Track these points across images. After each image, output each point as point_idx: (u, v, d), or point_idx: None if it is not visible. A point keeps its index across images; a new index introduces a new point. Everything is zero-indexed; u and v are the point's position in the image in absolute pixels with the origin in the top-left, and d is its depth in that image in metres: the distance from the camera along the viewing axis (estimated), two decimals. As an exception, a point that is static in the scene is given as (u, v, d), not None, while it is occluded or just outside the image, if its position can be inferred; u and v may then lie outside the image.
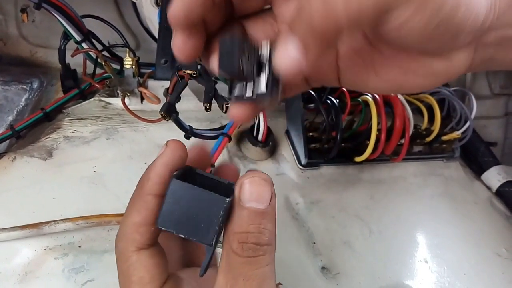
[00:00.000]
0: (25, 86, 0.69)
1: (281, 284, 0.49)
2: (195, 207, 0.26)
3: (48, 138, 0.59)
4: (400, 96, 0.65)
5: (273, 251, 0.26)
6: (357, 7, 0.21)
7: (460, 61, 0.26)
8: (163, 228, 0.26)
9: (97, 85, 0.65)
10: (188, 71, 0.54)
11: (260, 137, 0.65)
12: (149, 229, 0.27)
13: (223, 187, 0.28)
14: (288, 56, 0.23)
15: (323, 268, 0.55)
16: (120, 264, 0.28)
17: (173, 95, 0.54)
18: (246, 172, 0.27)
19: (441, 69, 0.27)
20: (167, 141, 0.29)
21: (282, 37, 0.23)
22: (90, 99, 0.66)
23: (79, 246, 0.50)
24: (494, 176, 0.76)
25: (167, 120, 0.55)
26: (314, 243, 0.58)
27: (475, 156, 0.81)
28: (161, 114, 0.53)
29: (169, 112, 0.53)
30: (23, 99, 0.68)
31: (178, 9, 0.24)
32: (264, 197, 0.25)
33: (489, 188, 0.76)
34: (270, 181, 0.26)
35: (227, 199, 0.26)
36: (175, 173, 0.28)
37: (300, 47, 0.23)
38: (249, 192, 0.25)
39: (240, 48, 0.25)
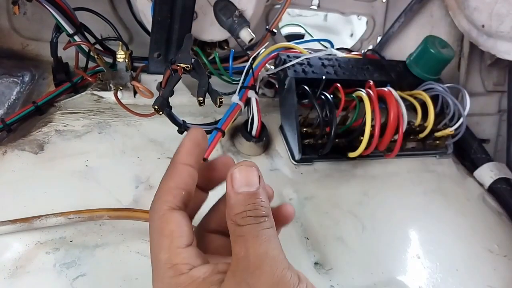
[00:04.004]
0: (16, 79, 0.69)
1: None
2: None
3: (39, 131, 0.58)
4: (394, 92, 0.65)
5: (272, 221, 0.29)
6: None
7: None
8: None
9: (90, 79, 0.65)
10: (182, 65, 0.53)
11: (254, 132, 0.64)
12: (180, 192, 0.31)
13: None
14: None
15: (316, 263, 0.55)
16: (152, 223, 0.31)
17: (167, 89, 0.54)
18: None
19: None
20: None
21: None
22: (82, 93, 0.65)
23: (71, 241, 0.49)
24: (487, 173, 0.77)
25: (160, 114, 0.54)
26: (307, 238, 0.58)
27: (468, 153, 0.81)
28: (154, 108, 0.52)
29: (163, 106, 0.53)
30: (14, 92, 0.67)
31: None
32: (253, 180, 0.30)
33: (481, 184, 0.77)
34: (255, 166, 0.30)
35: None
36: None
37: None
38: (239, 179, 0.29)
39: None
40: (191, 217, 0.36)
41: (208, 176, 0.36)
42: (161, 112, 0.53)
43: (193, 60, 0.55)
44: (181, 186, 0.31)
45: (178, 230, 0.30)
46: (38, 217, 0.48)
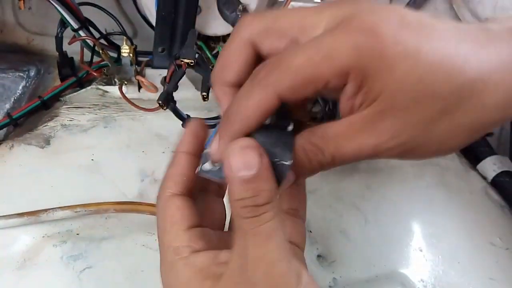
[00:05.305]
0: (22, 74, 0.69)
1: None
2: None
3: (45, 126, 0.59)
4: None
5: (274, 206, 0.27)
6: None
7: None
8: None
9: (95, 73, 0.65)
10: (186, 60, 0.54)
11: (257, 126, 0.65)
12: (181, 179, 0.32)
13: None
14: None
15: (319, 256, 0.56)
16: (157, 210, 0.32)
17: (171, 84, 0.54)
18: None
19: None
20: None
21: None
22: (88, 87, 0.66)
23: (77, 234, 0.50)
24: (490, 166, 0.77)
25: (165, 109, 0.55)
26: (310, 231, 0.58)
27: (471, 146, 0.81)
28: (159, 103, 0.53)
29: (167, 101, 0.53)
30: (20, 87, 0.68)
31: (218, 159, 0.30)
32: (251, 163, 0.26)
33: (484, 178, 0.76)
34: (254, 145, 0.27)
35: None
36: None
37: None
38: (236, 163, 0.26)
39: None
40: None
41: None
42: (165, 107, 0.54)
43: (197, 55, 0.55)
44: (181, 173, 0.32)
45: (178, 214, 0.31)
46: (45, 210, 0.48)
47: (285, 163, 0.28)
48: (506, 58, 0.26)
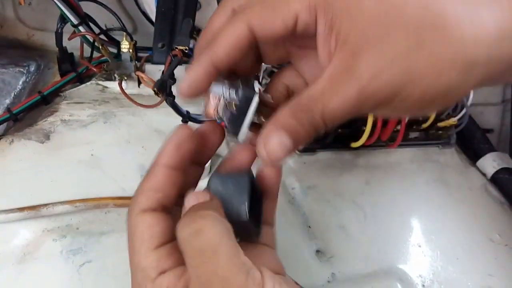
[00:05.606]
0: (22, 69, 0.69)
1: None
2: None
3: (45, 121, 0.59)
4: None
5: (217, 225, 0.27)
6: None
7: None
8: None
9: (94, 69, 0.65)
10: (180, 47, 0.54)
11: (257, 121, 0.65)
12: (154, 194, 0.30)
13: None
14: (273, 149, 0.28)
15: (318, 251, 0.56)
16: (127, 225, 0.31)
17: (167, 72, 0.54)
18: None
19: None
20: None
21: (268, 130, 0.29)
22: (87, 83, 0.66)
23: (77, 228, 0.50)
24: (490, 163, 0.77)
25: (159, 96, 0.54)
26: (309, 227, 0.58)
27: (471, 143, 0.81)
28: (154, 91, 0.53)
29: (163, 89, 0.53)
30: (20, 82, 0.68)
31: (185, 90, 0.30)
32: (199, 195, 0.29)
33: (484, 174, 0.77)
34: (206, 191, 0.31)
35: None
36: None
37: (287, 139, 0.28)
38: (189, 202, 0.29)
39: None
40: None
41: (199, 149, 0.34)
42: (160, 95, 0.54)
43: (192, 44, 0.55)
44: (156, 188, 0.30)
45: (147, 232, 0.29)
46: (45, 205, 0.49)
47: (243, 218, 0.30)
48: (486, 3, 0.25)
